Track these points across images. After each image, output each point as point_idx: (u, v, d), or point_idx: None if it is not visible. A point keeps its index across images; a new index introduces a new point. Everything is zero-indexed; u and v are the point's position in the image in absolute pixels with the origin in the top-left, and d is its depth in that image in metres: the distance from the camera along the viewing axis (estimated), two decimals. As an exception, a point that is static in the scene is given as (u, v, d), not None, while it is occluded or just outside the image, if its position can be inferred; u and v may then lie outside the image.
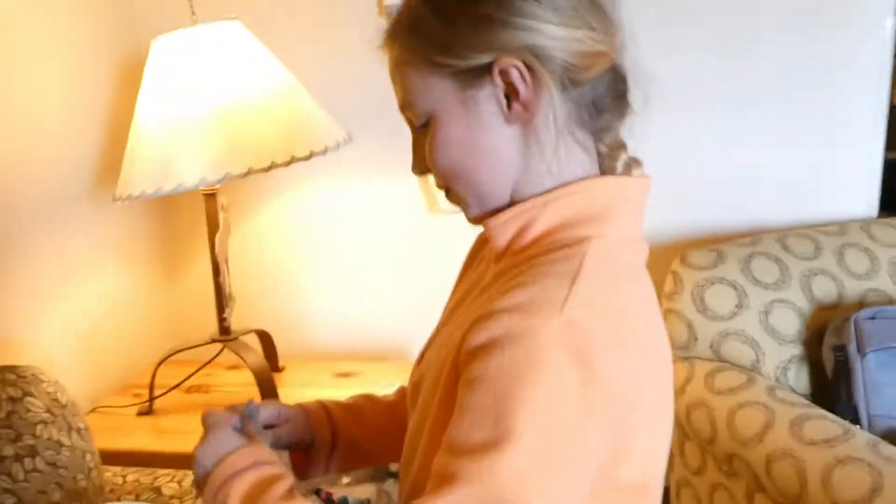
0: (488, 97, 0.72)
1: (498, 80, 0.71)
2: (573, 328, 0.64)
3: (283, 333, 2.00)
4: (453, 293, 0.92)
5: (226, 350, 1.78)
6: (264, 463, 0.77)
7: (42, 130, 1.68)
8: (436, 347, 0.82)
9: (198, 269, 2.10)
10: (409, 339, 2.07)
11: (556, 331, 0.64)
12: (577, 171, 0.75)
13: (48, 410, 1.28)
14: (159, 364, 1.79)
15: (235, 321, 1.78)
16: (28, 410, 1.25)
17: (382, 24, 0.78)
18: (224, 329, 1.76)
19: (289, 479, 0.75)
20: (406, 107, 0.77)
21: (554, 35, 0.69)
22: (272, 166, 1.51)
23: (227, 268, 1.74)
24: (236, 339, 1.76)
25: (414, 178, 1.84)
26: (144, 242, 2.06)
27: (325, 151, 1.59)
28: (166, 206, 2.05)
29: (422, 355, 0.87)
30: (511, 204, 0.75)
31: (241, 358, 1.73)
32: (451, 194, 0.79)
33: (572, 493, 0.65)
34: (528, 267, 0.71)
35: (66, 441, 1.28)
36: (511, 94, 0.71)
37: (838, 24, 1.78)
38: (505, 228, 0.75)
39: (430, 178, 0.80)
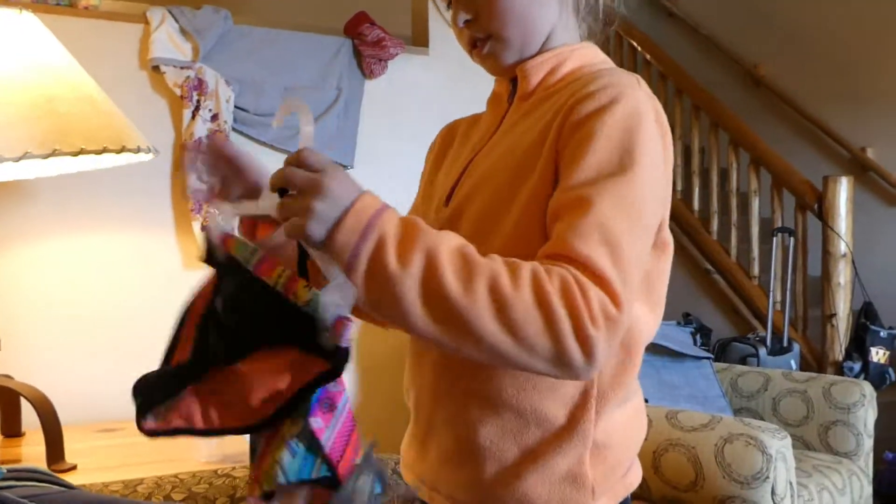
0: None
1: None
2: (651, 98, 0.87)
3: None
4: (452, 158, 1.03)
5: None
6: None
7: None
8: (486, 165, 0.93)
9: None
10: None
11: (644, 96, 0.85)
12: (581, 36, 0.99)
13: None
14: None
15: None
16: None
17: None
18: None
19: None
20: None
21: None
22: (104, 150, 1.42)
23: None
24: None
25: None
26: None
27: (137, 150, 1.54)
28: None
29: (453, 190, 0.95)
30: (541, 52, 0.95)
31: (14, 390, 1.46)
32: (491, 42, 0.94)
33: (656, 221, 0.84)
34: (583, 78, 0.90)
35: None
36: None
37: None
38: (540, 68, 0.95)
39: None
